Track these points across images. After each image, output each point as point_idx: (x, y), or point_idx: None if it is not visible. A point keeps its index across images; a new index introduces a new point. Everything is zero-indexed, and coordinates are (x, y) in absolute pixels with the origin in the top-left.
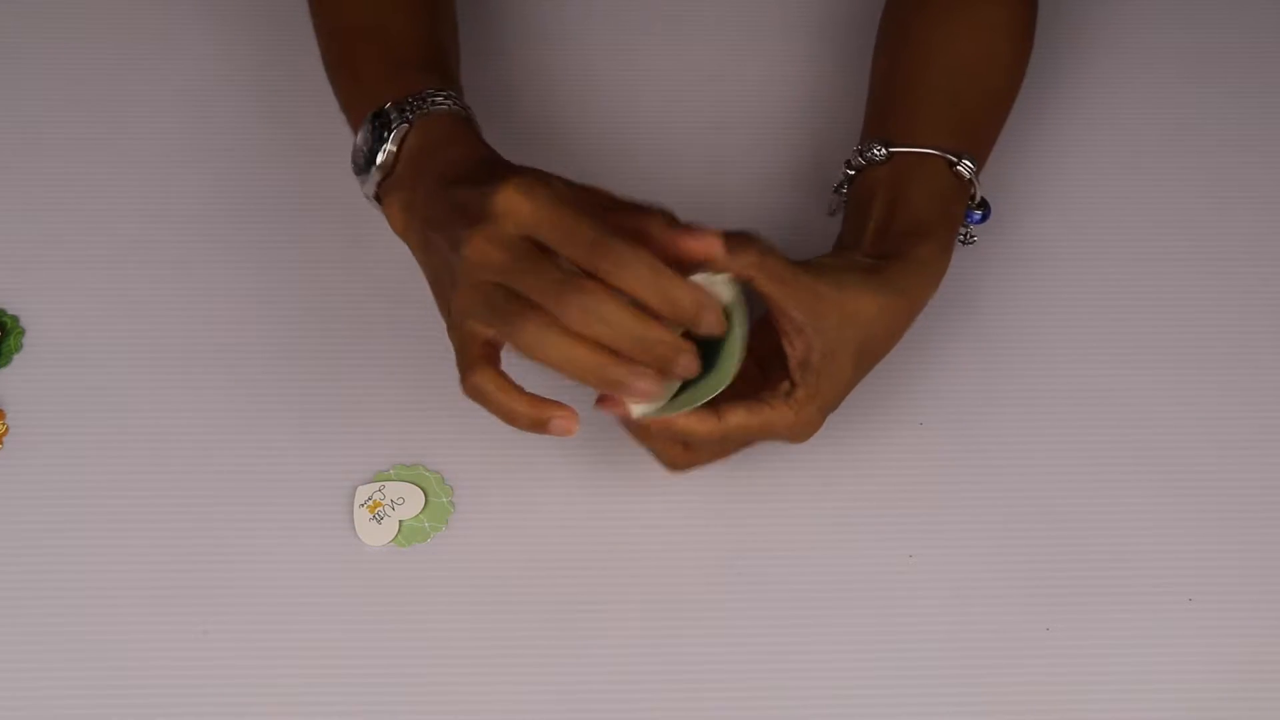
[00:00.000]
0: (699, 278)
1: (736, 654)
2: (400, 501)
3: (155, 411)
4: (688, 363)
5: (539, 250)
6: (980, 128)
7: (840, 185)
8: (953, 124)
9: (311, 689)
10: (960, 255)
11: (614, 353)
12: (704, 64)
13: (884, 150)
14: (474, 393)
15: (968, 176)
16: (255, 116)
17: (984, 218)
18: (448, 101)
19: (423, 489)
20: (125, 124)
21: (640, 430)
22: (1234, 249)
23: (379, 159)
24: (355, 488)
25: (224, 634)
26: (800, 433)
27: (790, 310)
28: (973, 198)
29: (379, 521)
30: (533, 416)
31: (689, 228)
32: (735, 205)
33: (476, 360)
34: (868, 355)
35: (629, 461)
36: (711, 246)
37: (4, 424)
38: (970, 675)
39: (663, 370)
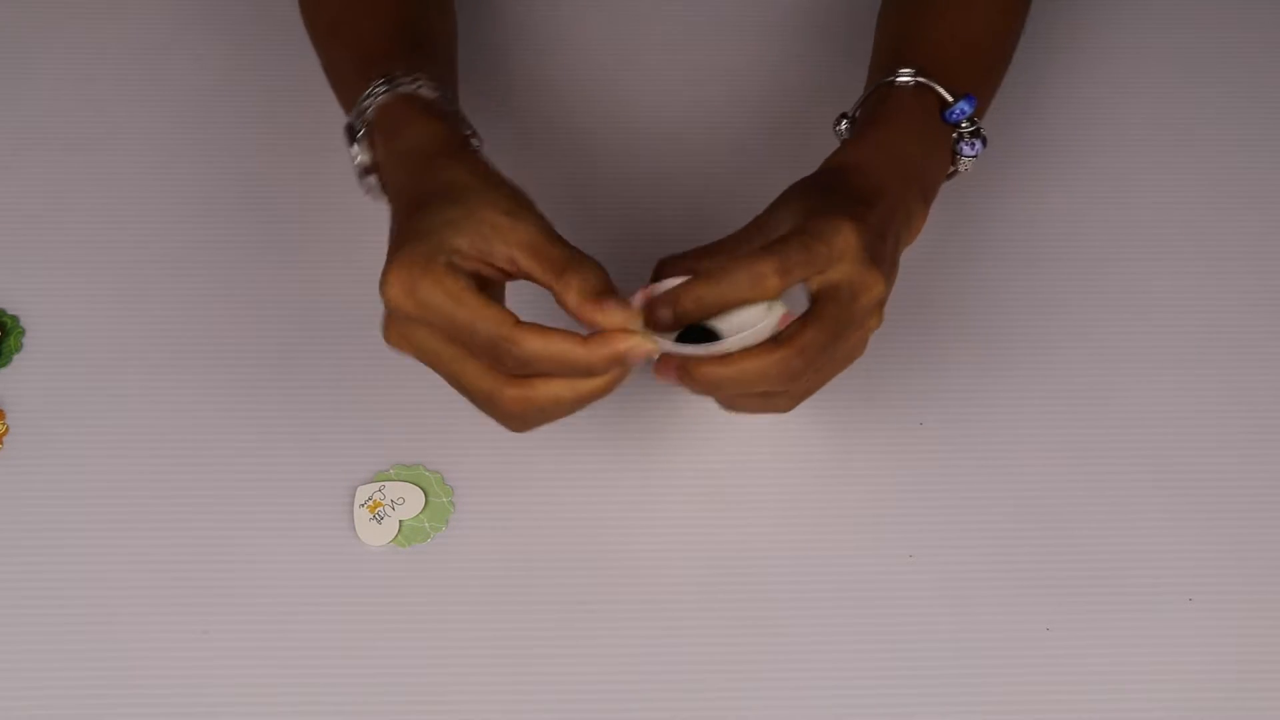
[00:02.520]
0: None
1: (736, 654)
2: (400, 501)
3: (155, 411)
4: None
5: (442, 349)
6: (965, 71)
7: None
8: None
9: (312, 689)
10: (961, 255)
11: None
12: (702, 63)
13: (844, 125)
14: (525, 407)
15: (907, 81)
16: (255, 116)
17: (965, 112)
18: (386, 91)
19: (423, 489)
20: (125, 124)
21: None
22: (1234, 249)
23: (360, 170)
24: (355, 488)
25: (224, 634)
26: (859, 268)
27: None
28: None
29: (379, 521)
30: (604, 385)
31: (598, 304)
32: (732, 204)
33: (501, 379)
34: (840, 191)
35: (629, 461)
36: (623, 322)
37: (4, 424)
38: (970, 675)
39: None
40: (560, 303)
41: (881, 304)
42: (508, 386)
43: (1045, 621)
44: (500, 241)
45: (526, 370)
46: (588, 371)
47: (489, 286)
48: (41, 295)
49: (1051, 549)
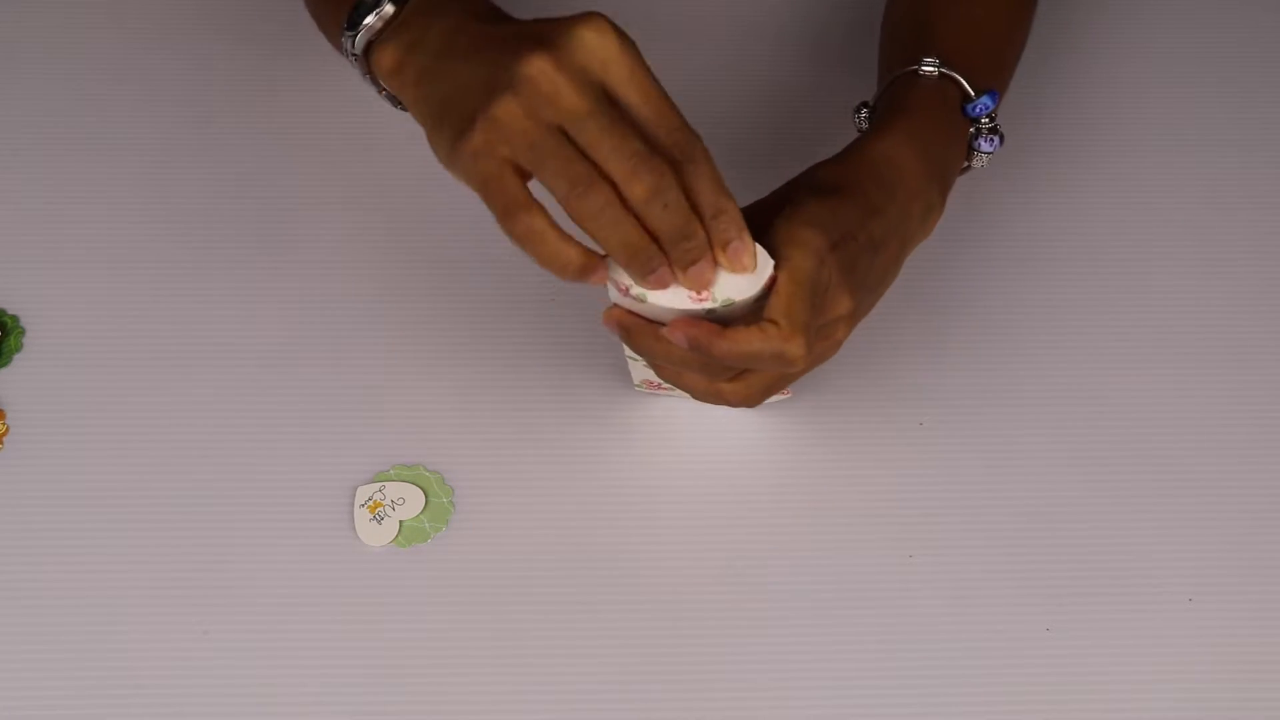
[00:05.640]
0: None
1: (736, 654)
2: (400, 502)
3: (155, 411)
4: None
5: (611, 108)
6: (977, 63)
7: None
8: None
9: (311, 689)
10: (962, 255)
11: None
12: (702, 64)
13: (864, 114)
14: (526, 234)
15: (931, 71)
16: (255, 116)
17: (988, 107)
18: None
19: (423, 489)
20: (125, 124)
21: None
22: (1234, 249)
23: (370, 19)
24: (355, 488)
25: (224, 634)
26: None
27: None
28: (968, 97)
29: (379, 522)
30: (582, 265)
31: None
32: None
33: (527, 201)
34: (845, 196)
35: (630, 461)
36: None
37: (4, 424)
38: (970, 675)
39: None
40: (692, 170)
41: (845, 322)
42: (658, 162)
43: (1045, 622)
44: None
45: (677, 164)
46: (719, 203)
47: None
48: (42, 295)
49: (1051, 549)
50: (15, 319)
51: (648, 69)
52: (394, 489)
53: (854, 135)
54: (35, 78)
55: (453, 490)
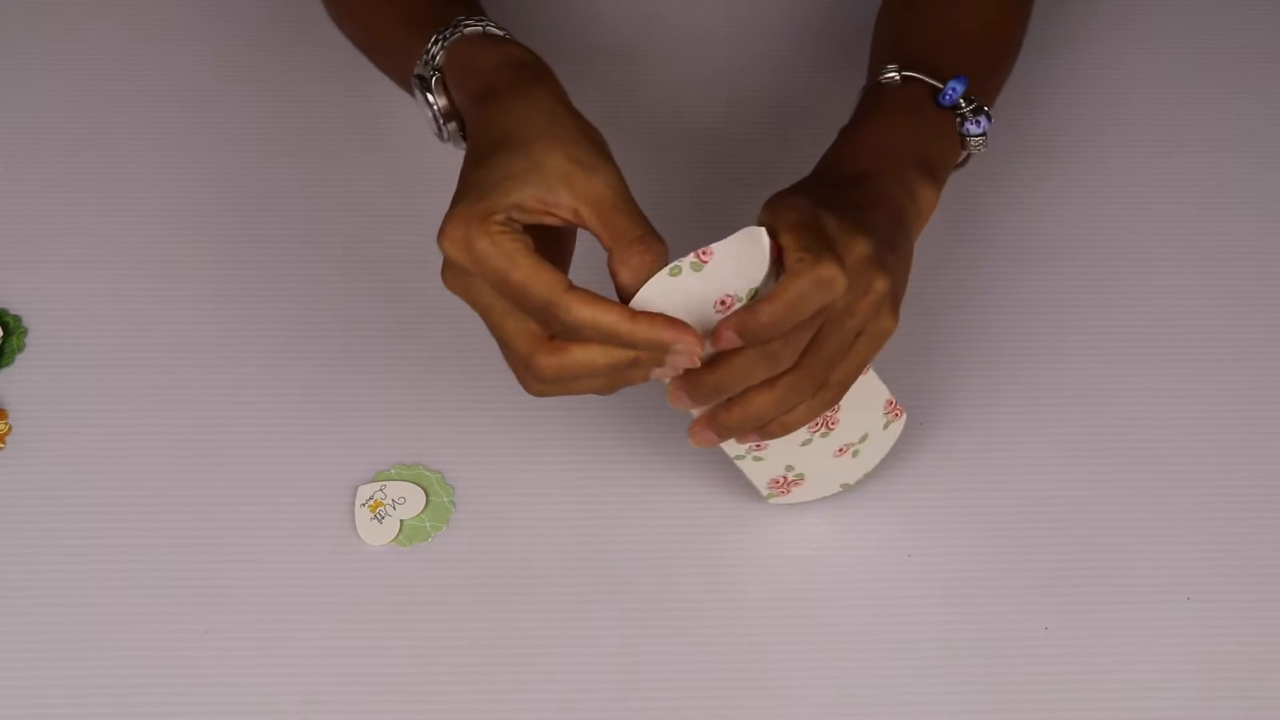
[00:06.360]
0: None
1: (736, 654)
2: (401, 501)
3: (157, 411)
4: (681, 356)
5: (495, 295)
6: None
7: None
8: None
9: (312, 689)
10: (961, 255)
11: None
12: (702, 68)
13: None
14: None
15: (893, 77)
16: (256, 116)
17: (958, 91)
18: (454, 34)
19: (423, 488)
20: (126, 124)
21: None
22: (1233, 249)
23: (440, 116)
24: (356, 487)
25: (225, 634)
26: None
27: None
28: (939, 95)
29: (380, 521)
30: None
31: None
32: (734, 206)
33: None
34: (822, 184)
35: (630, 461)
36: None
37: (7, 423)
38: (970, 675)
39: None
40: (611, 271)
41: (873, 265)
42: (543, 354)
43: (1044, 621)
44: (567, 192)
45: (573, 337)
46: (629, 347)
47: (560, 238)
48: (44, 295)
49: (1050, 548)
50: (18, 319)
51: (497, 266)
52: (395, 488)
53: None
54: (35, 78)
55: (453, 489)
